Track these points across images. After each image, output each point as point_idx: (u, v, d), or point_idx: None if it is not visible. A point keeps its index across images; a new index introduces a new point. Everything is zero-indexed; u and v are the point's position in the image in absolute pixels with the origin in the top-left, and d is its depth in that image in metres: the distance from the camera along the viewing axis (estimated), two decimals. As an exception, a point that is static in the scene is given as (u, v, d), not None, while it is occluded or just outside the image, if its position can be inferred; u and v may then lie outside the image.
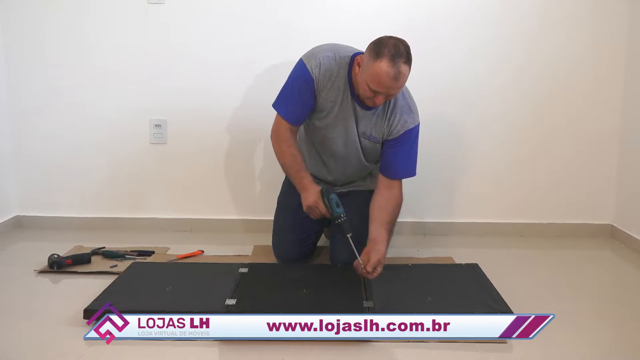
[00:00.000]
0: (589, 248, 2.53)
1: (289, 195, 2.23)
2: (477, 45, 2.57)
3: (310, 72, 1.92)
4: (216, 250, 2.40)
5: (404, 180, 2.07)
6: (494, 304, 1.72)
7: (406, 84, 1.93)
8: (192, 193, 2.71)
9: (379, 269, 1.82)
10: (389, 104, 1.98)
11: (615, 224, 2.64)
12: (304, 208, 2.01)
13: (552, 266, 2.29)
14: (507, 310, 1.68)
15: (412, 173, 2.06)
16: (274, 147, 2.06)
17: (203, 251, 2.37)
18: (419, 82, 2.56)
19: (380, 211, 1.98)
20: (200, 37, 2.58)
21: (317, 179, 2.19)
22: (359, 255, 1.83)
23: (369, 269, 1.79)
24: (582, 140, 2.63)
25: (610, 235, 2.64)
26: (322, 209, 1.95)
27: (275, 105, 2.02)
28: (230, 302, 1.73)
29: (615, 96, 2.59)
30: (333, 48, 1.97)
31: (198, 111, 2.63)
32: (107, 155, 2.69)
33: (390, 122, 1.99)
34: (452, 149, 2.65)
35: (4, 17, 2.60)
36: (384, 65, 1.75)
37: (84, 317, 1.68)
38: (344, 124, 2.00)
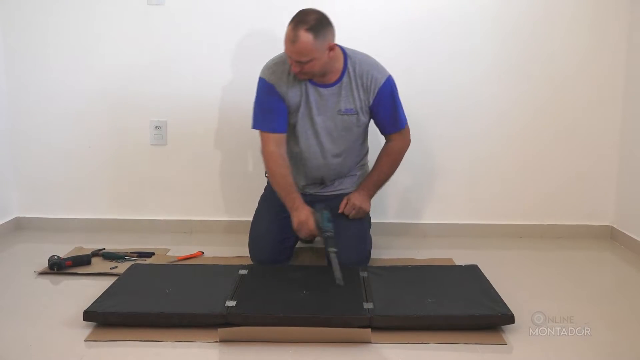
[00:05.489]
0: (589, 249, 2.53)
1: (269, 198, 2.24)
2: (478, 48, 2.57)
3: (268, 80, 2.03)
4: (216, 251, 2.40)
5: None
6: (494, 305, 1.72)
7: (371, 56, 2.09)
8: (192, 194, 2.71)
9: (360, 214, 2.11)
10: (351, 71, 2.03)
11: (615, 226, 2.63)
12: (294, 225, 2.02)
13: (552, 267, 2.29)
14: (506, 311, 1.68)
15: (402, 124, 2.12)
16: (265, 167, 2.14)
17: (203, 252, 2.37)
18: (421, 83, 2.59)
19: (377, 161, 2.18)
20: (200, 39, 2.58)
21: (307, 184, 2.22)
22: (339, 270, 1.85)
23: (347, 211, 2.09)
24: (582, 142, 2.63)
25: (610, 236, 2.64)
26: (311, 224, 1.98)
27: (254, 126, 2.10)
28: (230, 303, 1.72)
29: (615, 98, 2.59)
30: (282, 53, 2.03)
31: (198, 113, 2.63)
32: (107, 157, 2.69)
33: (359, 84, 2.04)
34: (452, 150, 2.65)
35: (5, 20, 2.60)
36: (287, 30, 1.90)
37: (84, 319, 1.67)
38: (311, 112, 2.06)
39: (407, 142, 2.18)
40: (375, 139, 2.26)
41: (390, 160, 2.16)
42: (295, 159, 2.16)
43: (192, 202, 2.71)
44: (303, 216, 1.99)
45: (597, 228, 2.66)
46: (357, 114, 2.06)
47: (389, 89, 2.05)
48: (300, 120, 2.08)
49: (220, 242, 2.54)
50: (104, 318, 1.68)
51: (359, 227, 2.16)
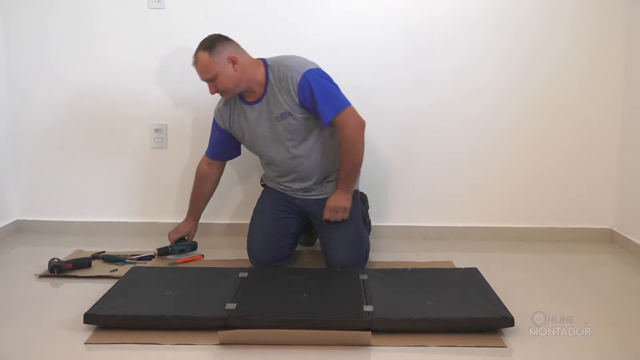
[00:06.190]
0: (589, 252, 2.53)
1: (266, 198, 2.33)
2: (479, 50, 2.58)
3: (214, 115, 2.29)
4: (216, 254, 2.41)
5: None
6: (494, 308, 1.72)
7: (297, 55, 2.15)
8: (192, 197, 2.71)
9: (340, 214, 2.13)
10: (272, 79, 2.10)
11: (614, 229, 2.63)
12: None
13: (552, 270, 2.29)
14: (506, 314, 1.68)
15: (336, 110, 2.07)
16: None
17: (203, 255, 2.37)
18: (423, 85, 2.59)
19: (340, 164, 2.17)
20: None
21: (290, 180, 2.24)
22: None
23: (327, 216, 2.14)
24: (582, 145, 2.63)
25: (610, 239, 2.64)
26: (172, 235, 2.37)
27: None
28: (231, 306, 1.73)
29: (615, 101, 2.59)
30: None
31: (198, 116, 2.64)
32: (108, 160, 2.69)
33: (281, 88, 2.09)
34: (452, 152, 2.65)
35: (5, 20, 2.61)
36: None
37: (85, 322, 1.67)
38: (255, 129, 2.17)
39: (354, 125, 2.08)
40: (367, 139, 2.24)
41: (345, 150, 2.11)
42: (270, 165, 2.26)
43: (192, 205, 2.71)
44: (179, 226, 2.39)
45: (597, 231, 2.66)
46: (291, 114, 2.10)
47: (306, 83, 2.05)
48: (251, 139, 2.21)
49: (220, 245, 2.54)
50: (104, 321, 1.68)
51: (352, 228, 2.18)
